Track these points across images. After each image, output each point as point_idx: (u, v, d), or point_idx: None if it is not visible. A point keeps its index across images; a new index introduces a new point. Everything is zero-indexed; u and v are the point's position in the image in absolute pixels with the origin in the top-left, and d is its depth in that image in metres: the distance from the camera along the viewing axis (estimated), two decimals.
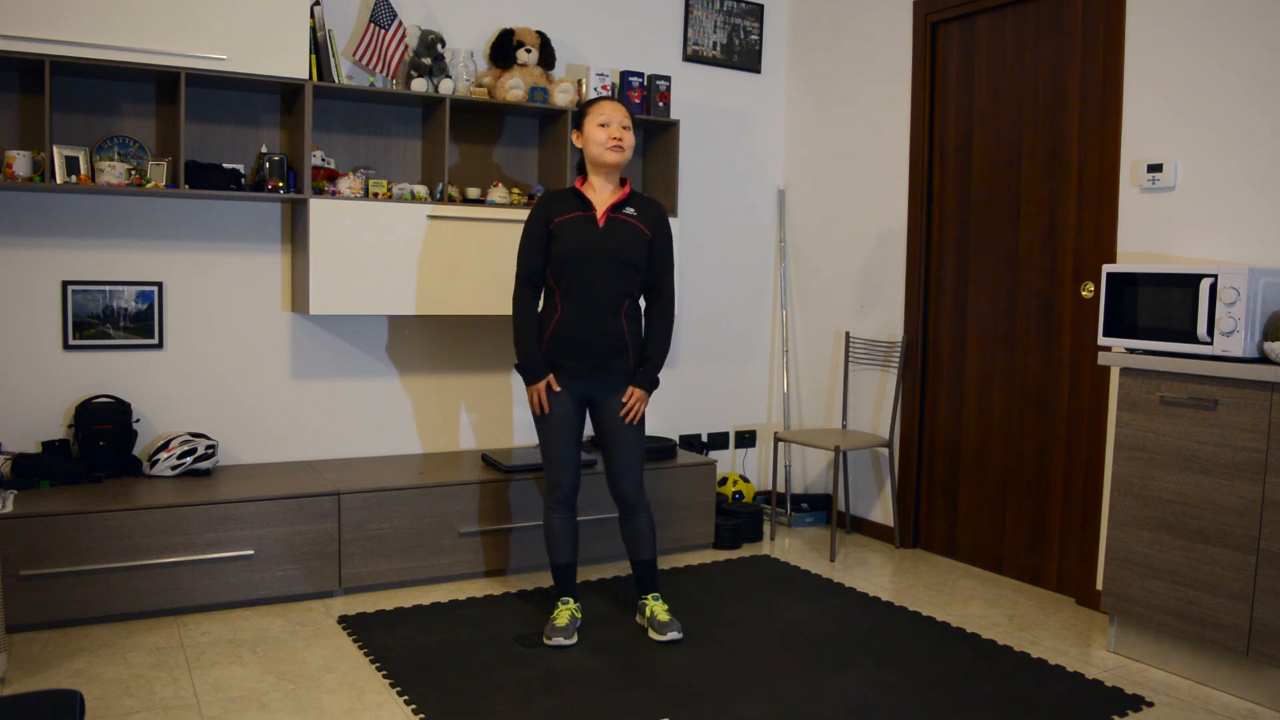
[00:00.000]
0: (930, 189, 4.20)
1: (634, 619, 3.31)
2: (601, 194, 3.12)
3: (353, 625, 3.20)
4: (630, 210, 3.13)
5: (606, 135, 3.05)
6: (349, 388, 3.97)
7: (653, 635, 3.14)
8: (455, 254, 3.78)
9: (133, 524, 3.13)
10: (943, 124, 4.16)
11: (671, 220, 4.20)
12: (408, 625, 3.22)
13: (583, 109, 3.14)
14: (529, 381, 3.11)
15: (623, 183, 3.17)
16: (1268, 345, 2.72)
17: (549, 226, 3.09)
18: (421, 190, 3.79)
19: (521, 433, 4.34)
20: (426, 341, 4.10)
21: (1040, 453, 3.78)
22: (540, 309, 3.17)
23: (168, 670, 2.83)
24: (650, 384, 3.16)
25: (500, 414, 4.28)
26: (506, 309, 3.87)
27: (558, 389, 3.10)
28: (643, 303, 3.21)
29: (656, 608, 3.19)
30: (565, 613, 3.15)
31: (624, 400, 3.12)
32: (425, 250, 3.73)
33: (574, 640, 3.09)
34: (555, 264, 3.08)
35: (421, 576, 3.59)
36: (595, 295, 3.06)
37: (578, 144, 3.15)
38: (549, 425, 3.13)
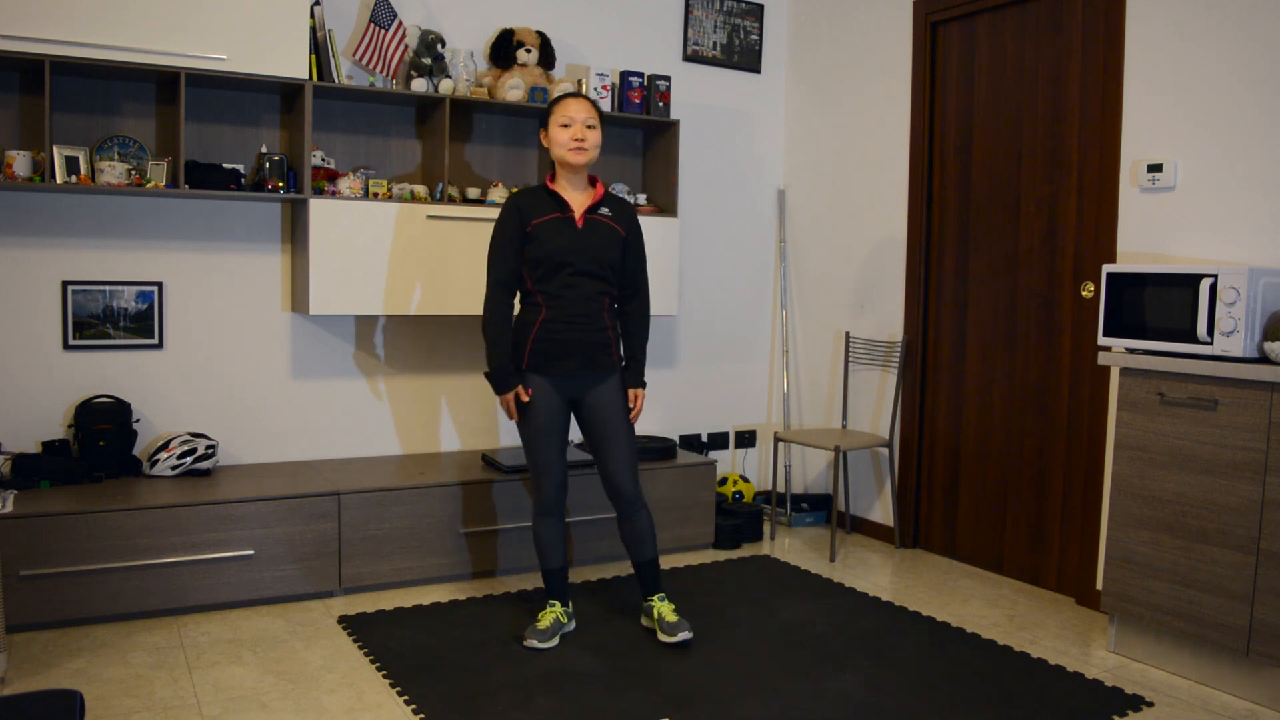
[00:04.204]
0: (930, 189, 4.20)
1: (638, 621, 3.28)
2: (575, 193, 3.11)
3: (353, 625, 3.20)
4: (606, 211, 3.12)
5: (569, 136, 3.03)
6: (349, 388, 3.97)
7: (662, 638, 3.09)
8: (455, 254, 3.78)
9: (133, 524, 3.13)
10: (943, 124, 4.15)
11: (671, 220, 4.23)
12: (408, 625, 3.22)
13: (549, 107, 3.11)
14: (500, 391, 3.05)
15: (593, 181, 3.16)
16: (1268, 345, 2.72)
17: (525, 228, 3.05)
18: (421, 190, 3.79)
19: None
20: (427, 342, 4.10)
21: (1040, 453, 3.78)
22: (518, 311, 3.13)
23: (168, 670, 2.83)
24: (642, 382, 3.19)
25: (501, 415, 4.28)
26: None
27: (526, 398, 3.05)
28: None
29: (664, 609, 3.15)
30: (549, 615, 3.11)
31: (629, 405, 3.15)
32: (425, 250, 3.73)
33: (553, 644, 3.06)
34: (535, 266, 3.05)
35: (421, 576, 3.59)
36: (580, 295, 3.04)
37: (545, 143, 3.13)
38: (536, 430, 3.07)
